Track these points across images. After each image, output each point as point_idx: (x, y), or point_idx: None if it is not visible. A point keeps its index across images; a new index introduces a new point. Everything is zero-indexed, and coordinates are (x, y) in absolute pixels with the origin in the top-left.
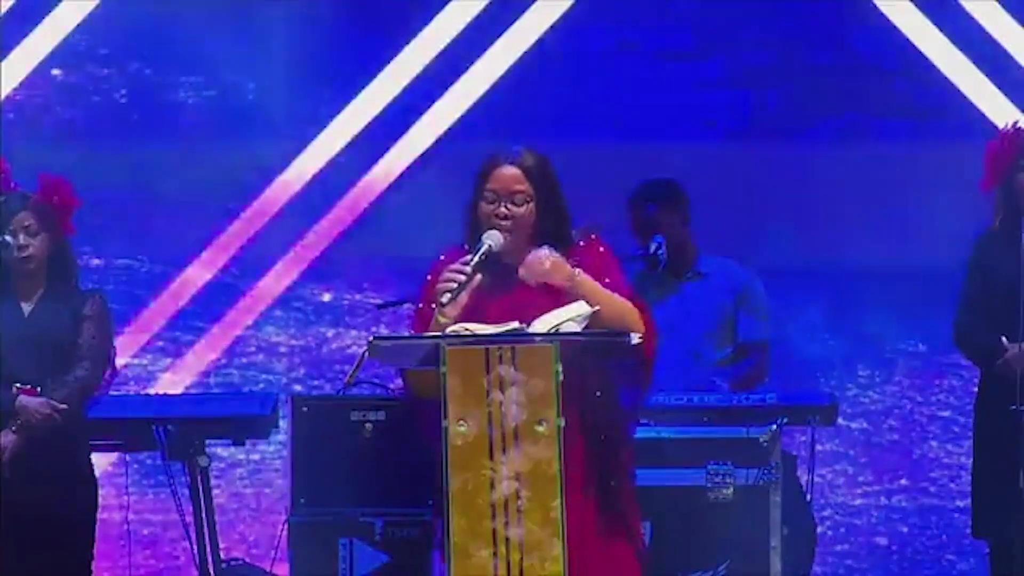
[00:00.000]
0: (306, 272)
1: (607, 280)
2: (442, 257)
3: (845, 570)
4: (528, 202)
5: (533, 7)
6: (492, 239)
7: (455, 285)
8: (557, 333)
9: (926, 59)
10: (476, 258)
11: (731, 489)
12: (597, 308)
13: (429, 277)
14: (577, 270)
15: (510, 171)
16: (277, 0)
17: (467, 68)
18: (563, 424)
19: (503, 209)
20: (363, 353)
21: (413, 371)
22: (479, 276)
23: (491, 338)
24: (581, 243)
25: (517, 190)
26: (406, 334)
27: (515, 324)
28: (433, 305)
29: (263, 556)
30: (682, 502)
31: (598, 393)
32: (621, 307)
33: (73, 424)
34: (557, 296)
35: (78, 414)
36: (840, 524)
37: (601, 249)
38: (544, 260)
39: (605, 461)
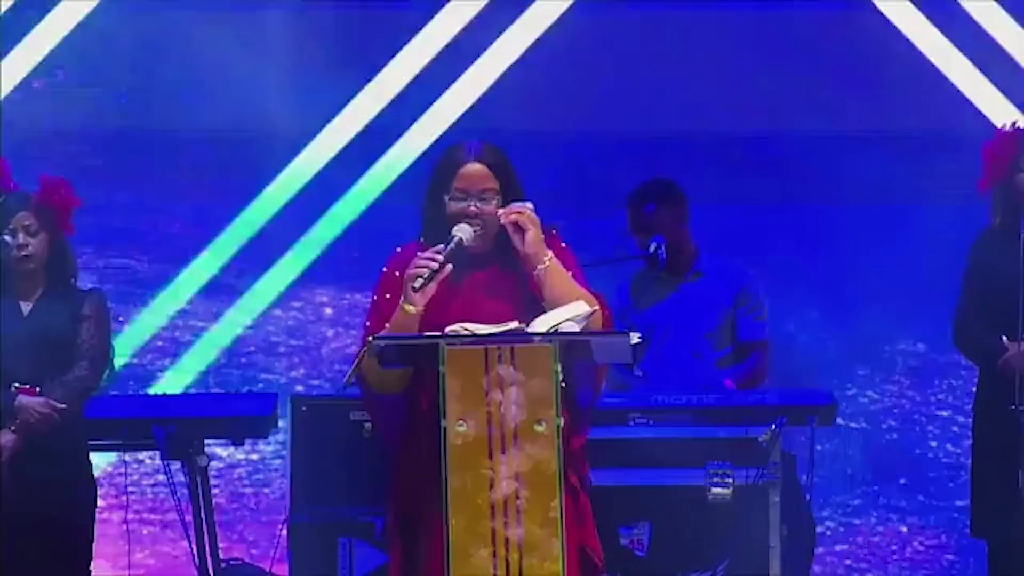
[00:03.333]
0: (306, 272)
1: (569, 273)
2: (398, 250)
3: (845, 570)
4: (495, 198)
5: (532, 7)
6: (463, 232)
7: (426, 272)
8: (556, 333)
9: (926, 59)
10: (448, 249)
11: (731, 489)
12: (596, 309)
13: (385, 269)
14: (550, 253)
15: (477, 168)
16: (277, 0)
17: (467, 68)
18: (562, 424)
19: (474, 208)
20: (362, 353)
21: (370, 367)
22: (449, 266)
23: (490, 338)
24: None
25: (486, 187)
26: (406, 334)
27: (514, 324)
28: (388, 295)
29: (263, 556)
30: (682, 502)
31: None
32: (583, 296)
33: (72, 424)
34: (512, 279)
35: (77, 414)
36: (840, 524)
37: (563, 244)
38: (526, 212)
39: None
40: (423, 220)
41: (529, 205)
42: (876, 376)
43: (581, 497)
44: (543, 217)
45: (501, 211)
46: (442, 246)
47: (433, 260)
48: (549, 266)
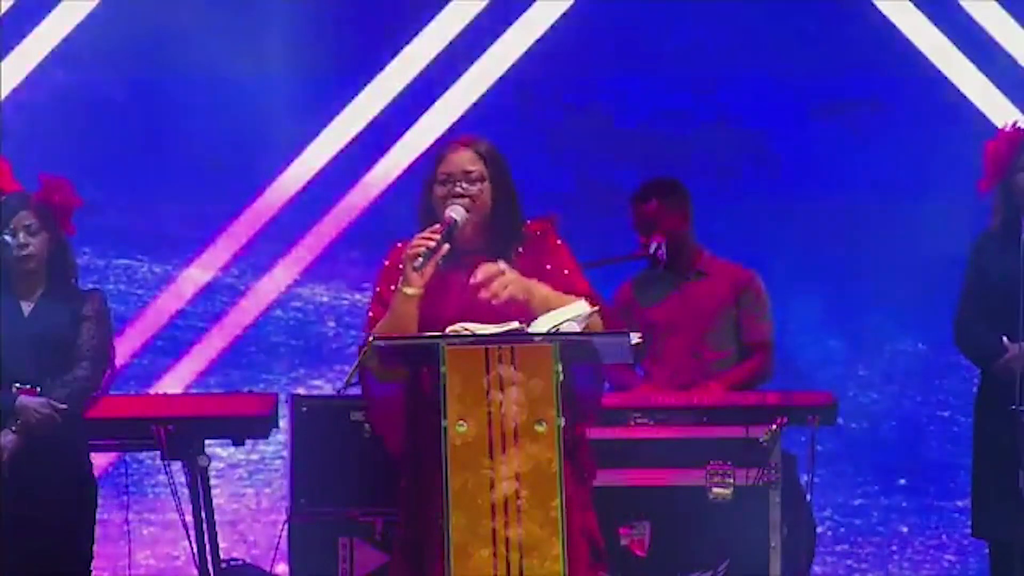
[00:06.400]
0: (306, 272)
1: (566, 272)
2: (398, 244)
3: (845, 570)
4: (482, 181)
5: (534, 6)
6: (456, 212)
7: (424, 250)
8: (557, 333)
9: (926, 59)
10: (446, 230)
11: (731, 489)
12: (597, 308)
13: (387, 262)
14: (533, 280)
15: (463, 152)
16: (278, 0)
17: (467, 67)
18: (563, 423)
19: (458, 189)
20: (363, 352)
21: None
22: (447, 246)
23: (491, 338)
24: (538, 233)
25: (471, 170)
26: (405, 334)
27: (515, 324)
28: (392, 287)
29: (263, 556)
30: (682, 502)
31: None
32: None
33: (73, 424)
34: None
35: (78, 414)
36: (840, 524)
37: (558, 242)
38: (506, 277)
39: (571, 461)
40: (418, 213)
41: (502, 265)
42: (876, 376)
43: (583, 488)
44: (552, 215)
45: (484, 293)
46: (438, 226)
47: (430, 239)
48: (535, 296)
